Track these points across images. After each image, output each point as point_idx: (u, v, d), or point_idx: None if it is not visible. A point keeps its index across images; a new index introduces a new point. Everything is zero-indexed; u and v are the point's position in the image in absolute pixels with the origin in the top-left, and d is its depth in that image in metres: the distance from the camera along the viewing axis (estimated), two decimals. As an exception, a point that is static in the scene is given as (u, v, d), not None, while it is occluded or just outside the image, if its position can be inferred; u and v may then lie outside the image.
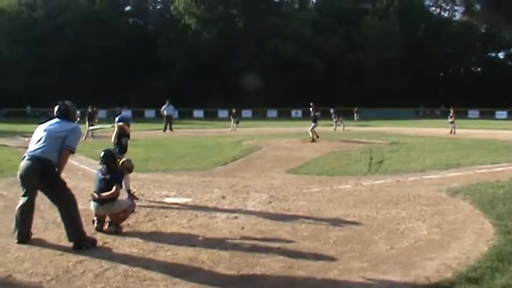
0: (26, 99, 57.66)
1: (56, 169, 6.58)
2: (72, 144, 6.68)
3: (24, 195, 6.66)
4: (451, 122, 31.57)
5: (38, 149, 6.51)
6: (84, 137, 24.36)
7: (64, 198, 6.58)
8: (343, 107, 47.84)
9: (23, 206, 6.62)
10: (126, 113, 61.35)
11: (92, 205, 7.47)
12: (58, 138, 6.56)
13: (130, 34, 71.96)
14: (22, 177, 6.57)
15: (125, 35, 70.40)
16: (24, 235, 6.61)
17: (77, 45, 64.66)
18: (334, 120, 35.85)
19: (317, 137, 23.98)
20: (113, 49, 66.88)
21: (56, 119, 6.87)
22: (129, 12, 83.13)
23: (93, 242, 6.57)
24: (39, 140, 6.60)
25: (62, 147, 6.55)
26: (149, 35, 74.98)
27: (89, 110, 28.11)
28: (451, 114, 31.94)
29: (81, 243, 6.41)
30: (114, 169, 7.85)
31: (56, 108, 6.97)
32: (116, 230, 7.29)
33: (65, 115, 6.91)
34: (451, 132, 30.69)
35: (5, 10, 67.90)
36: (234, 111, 37.57)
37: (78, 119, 7.19)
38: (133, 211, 7.75)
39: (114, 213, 7.36)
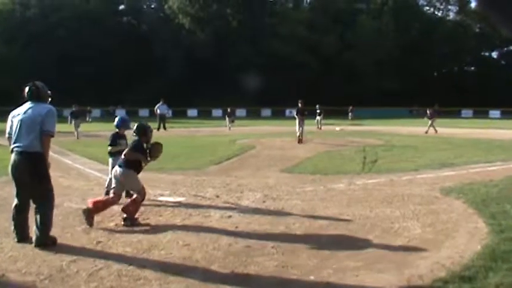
0: (21, 98, 57.19)
1: (45, 160, 6.48)
2: (49, 128, 6.46)
3: (17, 194, 6.58)
4: (429, 119, 31.25)
5: (24, 142, 6.38)
6: (76, 137, 24.41)
7: (46, 194, 6.52)
8: (338, 106, 47.91)
9: (18, 205, 6.57)
10: (120, 112, 61.42)
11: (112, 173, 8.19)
12: (36, 125, 6.37)
13: (124, 33, 71.85)
14: (14, 173, 6.51)
15: (119, 34, 70.24)
16: (22, 235, 6.56)
17: (71, 44, 64.43)
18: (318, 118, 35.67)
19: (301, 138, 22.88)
20: (107, 48, 66.68)
21: (29, 103, 6.63)
22: (123, 11, 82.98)
23: (54, 240, 6.53)
24: (20, 130, 6.44)
25: (40, 134, 6.38)
26: (143, 34, 74.86)
27: (74, 108, 27.68)
28: (429, 113, 31.58)
29: (47, 242, 6.39)
30: (145, 142, 8.17)
31: (27, 90, 6.68)
32: (132, 223, 7.54)
33: (37, 97, 6.65)
34: (426, 132, 30.22)
35: (-2, 9, 67.70)
36: (229, 110, 37.29)
37: (50, 99, 6.91)
38: (142, 201, 7.85)
39: (130, 187, 7.99)
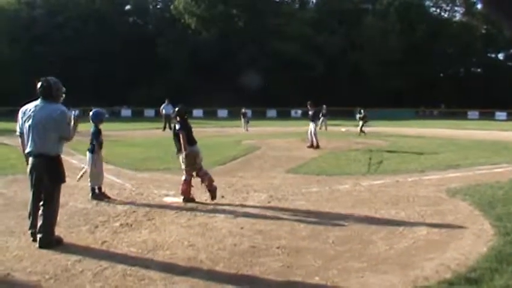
0: (26, 98, 57.30)
1: (60, 160, 6.57)
2: (65, 134, 6.54)
3: (33, 195, 6.58)
4: (362, 120, 30.07)
5: (38, 146, 6.39)
6: None
7: (54, 195, 6.54)
8: (343, 107, 47.74)
9: (33, 203, 6.58)
10: (126, 111, 61.21)
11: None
12: (47, 130, 6.39)
13: (130, 33, 71.84)
14: (31, 175, 6.53)
15: (125, 34, 70.28)
16: (35, 235, 6.55)
17: (76, 44, 64.54)
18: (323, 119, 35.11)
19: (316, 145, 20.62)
20: (113, 48, 66.79)
21: (39, 102, 6.54)
22: (129, 12, 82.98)
23: (59, 240, 6.55)
24: (32, 135, 6.43)
25: (58, 137, 6.46)
26: (149, 34, 74.91)
27: None
28: (361, 115, 30.43)
29: (50, 242, 6.38)
30: (185, 121, 9.58)
31: (38, 86, 6.55)
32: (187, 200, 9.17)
33: (48, 95, 6.54)
34: (360, 134, 29.17)
35: (4, 8, 67.78)
36: (243, 110, 36.68)
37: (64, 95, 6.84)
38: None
39: (200, 162, 9.53)
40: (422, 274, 5.38)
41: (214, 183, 9.37)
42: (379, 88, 67.42)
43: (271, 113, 65.83)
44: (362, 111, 30.72)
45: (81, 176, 9.47)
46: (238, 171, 13.56)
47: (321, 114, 33.76)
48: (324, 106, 34.96)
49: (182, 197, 9.25)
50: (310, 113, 21.48)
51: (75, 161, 14.30)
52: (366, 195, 10.01)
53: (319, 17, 73.56)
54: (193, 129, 9.79)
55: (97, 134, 9.74)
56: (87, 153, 9.76)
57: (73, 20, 67.22)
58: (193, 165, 9.44)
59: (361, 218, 8.03)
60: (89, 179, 9.61)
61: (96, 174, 9.59)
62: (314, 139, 20.53)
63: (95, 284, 5.20)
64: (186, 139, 9.31)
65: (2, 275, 5.41)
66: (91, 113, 9.96)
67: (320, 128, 32.11)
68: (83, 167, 9.27)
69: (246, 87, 58.80)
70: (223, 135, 28.81)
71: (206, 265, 5.80)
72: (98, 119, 9.91)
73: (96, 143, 9.68)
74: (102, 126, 10.05)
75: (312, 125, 20.81)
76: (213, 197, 9.27)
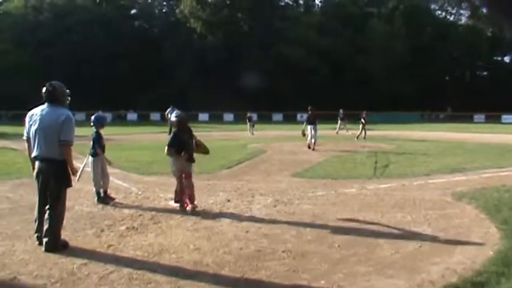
0: (33, 102, 57.41)
1: (66, 165, 6.56)
2: (67, 138, 6.49)
3: (39, 199, 6.60)
4: (363, 125, 28.88)
5: (44, 150, 6.41)
6: None
7: (60, 199, 6.55)
8: (349, 111, 47.62)
9: (39, 207, 6.59)
10: (132, 115, 61.30)
11: None
12: (53, 134, 6.39)
13: (135, 37, 72.21)
14: (38, 179, 6.55)
15: (130, 38, 70.63)
16: (41, 239, 6.56)
17: (82, 48, 64.90)
18: (340, 122, 35.35)
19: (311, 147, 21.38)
20: (119, 52, 67.09)
21: (45, 106, 6.56)
22: (134, 16, 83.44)
23: (65, 244, 6.56)
24: (39, 139, 6.44)
25: (59, 143, 6.42)
26: (154, 38, 75.27)
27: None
28: (363, 116, 29.19)
29: (56, 245, 6.40)
30: (182, 131, 9.31)
31: (43, 90, 6.57)
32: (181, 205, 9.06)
33: (54, 99, 6.54)
34: (358, 137, 28.42)
35: (11, 13, 68.28)
36: (249, 114, 36.40)
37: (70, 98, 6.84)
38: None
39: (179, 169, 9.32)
40: (428, 278, 5.37)
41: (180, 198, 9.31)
42: (385, 92, 67.37)
43: (277, 116, 65.86)
44: (363, 114, 30.39)
45: (79, 175, 9.32)
46: (244, 175, 13.56)
47: (338, 118, 34.72)
48: (341, 110, 35.55)
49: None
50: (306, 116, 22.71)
51: (80, 164, 14.33)
52: (372, 199, 9.99)
53: (324, 21, 73.66)
54: (196, 134, 9.78)
55: (98, 139, 9.77)
56: (89, 157, 9.80)
57: (79, 24, 67.66)
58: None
59: (367, 221, 8.01)
60: (92, 183, 9.66)
61: (98, 178, 9.63)
62: (312, 140, 21.39)
63: (101, 287, 5.21)
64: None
65: (9, 278, 5.43)
66: (92, 117, 10.00)
67: (337, 133, 32.80)
68: (80, 167, 9.17)
69: (252, 91, 58.86)
70: (229, 139, 28.80)
71: (212, 269, 5.80)
72: (99, 124, 9.96)
73: (97, 147, 9.71)
74: (107, 130, 10.10)
75: (309, 128, 21.64)
76: (175, 200, 9.42)
